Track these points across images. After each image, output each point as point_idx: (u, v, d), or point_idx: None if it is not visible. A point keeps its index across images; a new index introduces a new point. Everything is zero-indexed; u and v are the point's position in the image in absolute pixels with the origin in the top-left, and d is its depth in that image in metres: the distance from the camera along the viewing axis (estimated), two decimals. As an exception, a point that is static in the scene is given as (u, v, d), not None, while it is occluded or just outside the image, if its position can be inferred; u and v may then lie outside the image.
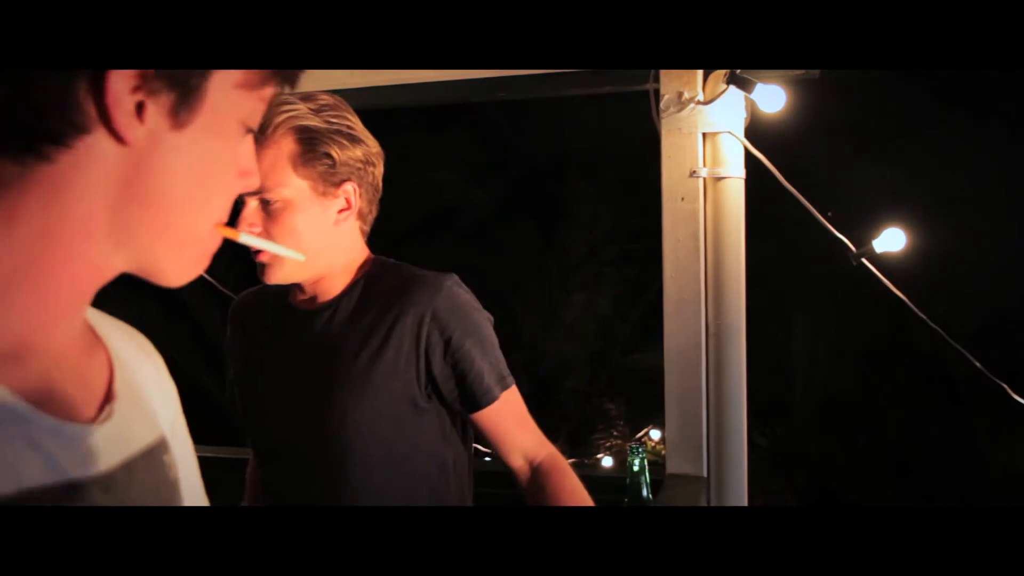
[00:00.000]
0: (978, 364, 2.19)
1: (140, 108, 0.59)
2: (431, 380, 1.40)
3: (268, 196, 1.34)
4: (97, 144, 0.59)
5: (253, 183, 0.71)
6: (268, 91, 0.67)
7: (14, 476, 0.55)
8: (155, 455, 0.69)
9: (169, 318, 9.66)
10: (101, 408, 0.66)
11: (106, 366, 0.69)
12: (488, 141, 10.22)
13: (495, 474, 1.57)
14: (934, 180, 7.85)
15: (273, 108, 1.35)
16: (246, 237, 0.70)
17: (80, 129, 0.58)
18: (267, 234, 1.36)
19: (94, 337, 0.70)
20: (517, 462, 1.46)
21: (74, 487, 0.59)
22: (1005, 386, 2.19)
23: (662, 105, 2.15)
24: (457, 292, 1.43)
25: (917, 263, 2.33)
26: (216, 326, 10.39)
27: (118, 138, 0.59)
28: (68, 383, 0.64)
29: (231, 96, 0.64)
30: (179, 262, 0.66)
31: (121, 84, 0.58)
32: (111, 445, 0.64)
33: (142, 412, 0.70)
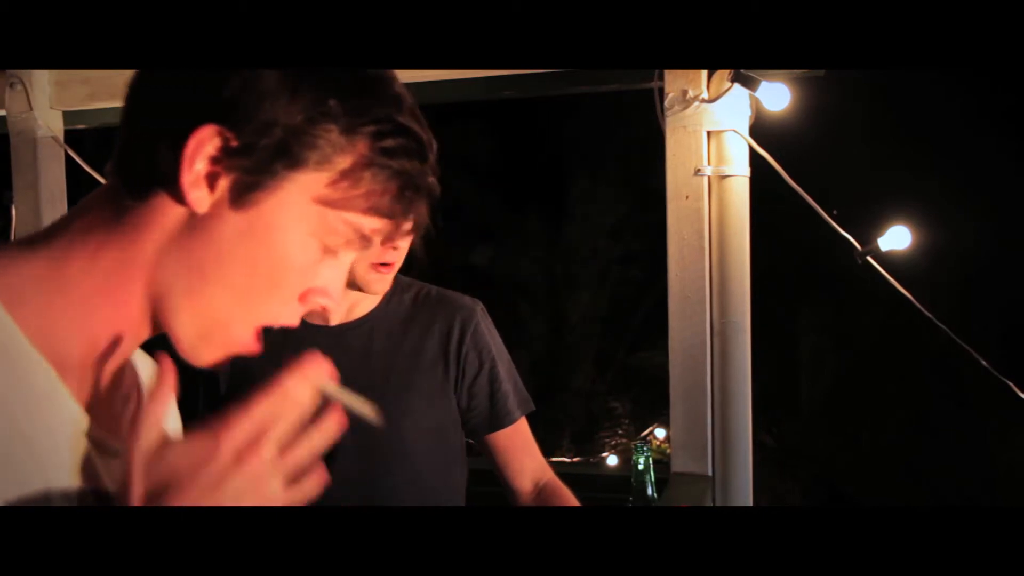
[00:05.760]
0: (984, 363, 2.18)
1: (213, 177, 0.61)
2: (470, 396, 1.47)
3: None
4: (172, 197, 0.62)
5: (331, 307, 0.69)
6: (363, 224, 0.65)
7: (64, 480, 0.61)
8: None
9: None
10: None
11: (137, 392, 0.74)
12: (493, 139, 10.22)
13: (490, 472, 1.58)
14: (940, 178, 7.83)
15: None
16: (328, 386, 0.68)
17: (165, 178, 0.62)
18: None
19: (132, 366, 0.75)
20: (525, 485, 1.52)
21: (105, 498, 0.64)
22: (1012, 385, 2.18)
23: (667, 103, 2.14)
24: (486, 317, 1.52)
25: (923, 261, 2.32)
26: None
27: (182, 196, 0.61)
28: (112, 402, 0.70)
29: (307, 208, 0.63)
30: (195, 337, 0.66)
31: (200, 148, 0.60)
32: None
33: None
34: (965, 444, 8.04)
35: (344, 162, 0.63)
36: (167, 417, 0.78)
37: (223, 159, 0.61)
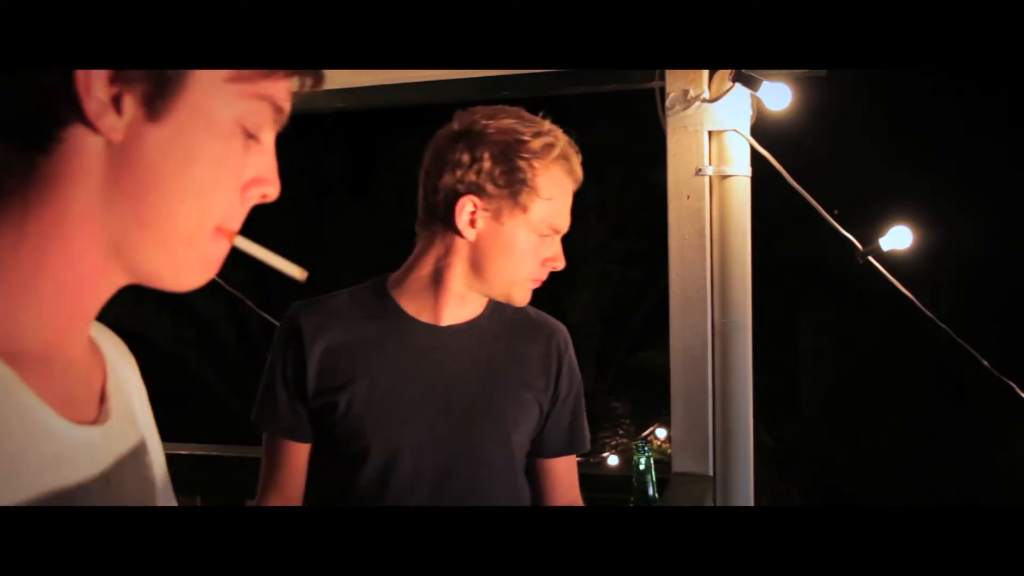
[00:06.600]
0: (985, 363, 2.18)
1: (118, 99, 0.58)
2: (556, 418, 1.50)
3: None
4: (82, 136, 0.58)
5: (272, 193, 0.67)
6: (272, 89, 0.64)
7: (34, 481, 0.56)
8: (139, 455, 0.70)
9: (174, 313, 9.68)
10: (99, 408, 0.67)
11: (101, 367, 0.70)
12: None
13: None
14: (940, 178, 7.83)
15: (568, 140, 1.44)
16: (240, 240, 0.66)
17: (62, 120, 0.57)
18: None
19: (91, 338, 0.71)
20: None
21: (82, 488, 0.60)
22: (1013, 385, 2.18)
23: (668, 103, 2.14)
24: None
25: (923, 261, 2.32)
26: (221, 321, 10.40)
27: (93, 128, 0.58)
28: (80, 386, 0.65)
29: (221, 92, 0.61)
30: (172, 264, 0.63)
31: (92, 73, 0.56)
32: (109, 444, 0.65)
33: (128, 413, 0.71)
34: (965, 444, 8.03)
35: None
36: (134, 393, 0.73)
37: (120, 76, 0.57)
